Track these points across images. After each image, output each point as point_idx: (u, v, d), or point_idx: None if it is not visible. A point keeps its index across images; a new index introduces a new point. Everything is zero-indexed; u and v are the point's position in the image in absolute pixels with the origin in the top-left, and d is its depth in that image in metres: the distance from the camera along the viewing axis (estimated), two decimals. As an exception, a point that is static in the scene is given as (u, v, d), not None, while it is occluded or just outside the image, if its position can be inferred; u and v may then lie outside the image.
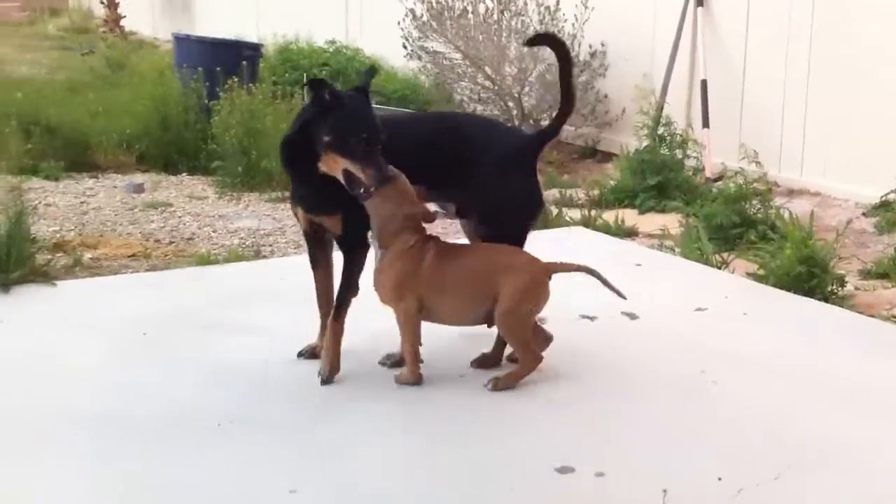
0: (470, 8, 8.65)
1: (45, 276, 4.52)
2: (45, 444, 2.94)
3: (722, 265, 5.08)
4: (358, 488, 2.75)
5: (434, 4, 8.86)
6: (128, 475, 2.77)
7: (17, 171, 6.66)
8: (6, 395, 3.28)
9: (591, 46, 8.37)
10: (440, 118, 4.37)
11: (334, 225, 3.41)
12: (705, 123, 7.38)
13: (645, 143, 7.03)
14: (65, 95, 8.44)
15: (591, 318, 4.08)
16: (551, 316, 3.56)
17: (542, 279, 3.33)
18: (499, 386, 3.33)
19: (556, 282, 3.34)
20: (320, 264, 3.58)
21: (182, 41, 8.83)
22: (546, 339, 3.46)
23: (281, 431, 3.07)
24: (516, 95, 8.51)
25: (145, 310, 4.12)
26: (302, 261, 5.14)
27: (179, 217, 6.08)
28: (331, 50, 10.41)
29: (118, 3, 15.25)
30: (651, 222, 6.16)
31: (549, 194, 6.85)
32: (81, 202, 6.28)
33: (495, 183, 3.45)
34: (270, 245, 5.57)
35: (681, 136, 7.02)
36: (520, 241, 3.50)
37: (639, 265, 4.99)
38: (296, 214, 3.58)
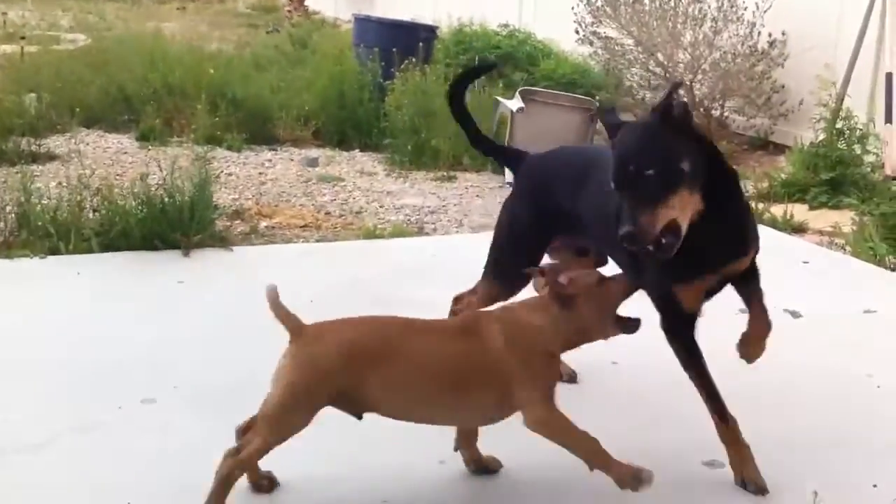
0: (647, -7, 8.55)
1: (223, 241, 4.81)
2: (221, 403, 3.12)
3: (896, 267, 4.88)
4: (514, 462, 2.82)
5: (610, -10, 8.80)
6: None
7: (203, 141, 7.06)
8: (182, 353, 3.53)
9: (770, 35, 8.10)
10: None
11: (747, 261, 2.71)
12: (888, 118, 7.03)
13: (821, 137, 6.78)
14: (250, 71, 8.87)
15: (750, 314, 4.00)
16: (712, 310, 3.48)
17: None
18: None
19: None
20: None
21: (361, 21, 9.10)
22: None
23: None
24: (688, 83, 8.34)
25: (314, 278, 4.32)
26: (461, 240, 5.28)
27: (350, 191, 6.31)
28: (503, 33, 10.49)
29: (304, -17, 15.85)
30: (822, 219, 5.95)
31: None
32: (260, 173, 6.61)
33: None
34: (433, 223, 5.71)
35: (861, 130, 6.73)
36: None
37: (806, 262, 4.86)
38: (681, 297, 2.62)
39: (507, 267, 3.07)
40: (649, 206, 2.31)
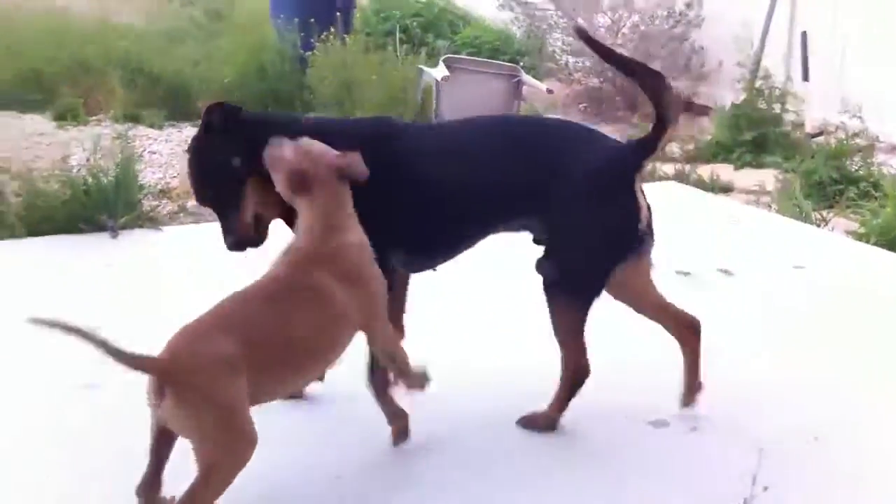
0: (564, -43, 8.57)
1: (152, 221, 4.69)
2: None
3: (821, 223, 5.00)
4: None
5: (528, -46, 8.80)
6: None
7: (122, 119, 6.86)
8: (119, 335, 3.43)
9: (688, -4, 8.22)
10: (504, 125, 3.10)
11: None
12: (805, 76, 7.20)
13: (742, 97, 6.90)
14: (166, 44, 8.62)
15: (686, 274, 4.06)
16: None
17: None
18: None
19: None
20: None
21: (279, -9, 8.90)
22: None
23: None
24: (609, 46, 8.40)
25: (251, 254, 4.23)
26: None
27: (278, 165, 6.20)
28: (423, 1, 10.41)
29: (214, -48, 15.42)
30: (747, 178, 6.07)
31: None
32: (184, 150, 6.44)
33: (578, 208, 2.67)
34: (365, 195, 5.65)
35: (780, 89, 6.87)
36: (596, 286, 2.72)
37: (735, 222, 4.95)
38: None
39: None
40: None
